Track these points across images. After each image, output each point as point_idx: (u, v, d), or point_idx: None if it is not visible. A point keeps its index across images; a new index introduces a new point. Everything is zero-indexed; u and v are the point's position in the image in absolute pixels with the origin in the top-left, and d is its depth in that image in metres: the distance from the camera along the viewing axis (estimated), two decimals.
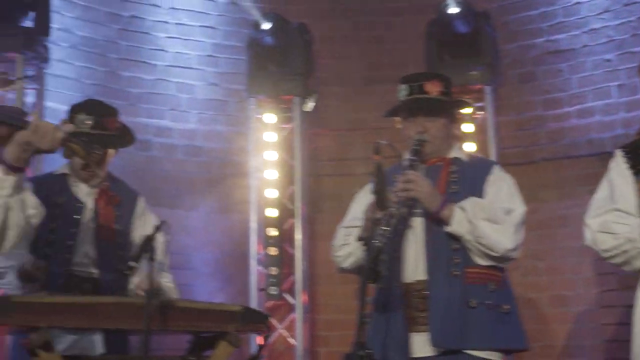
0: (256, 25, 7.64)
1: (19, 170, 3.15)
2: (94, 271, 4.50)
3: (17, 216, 3.19)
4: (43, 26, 6.88)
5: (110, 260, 4.53)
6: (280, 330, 7.48)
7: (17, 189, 3.16)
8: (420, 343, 3.97)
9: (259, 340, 6.86)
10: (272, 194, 7.61)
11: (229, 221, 7.77)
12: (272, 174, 7.65)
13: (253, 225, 7.54)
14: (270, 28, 7.59)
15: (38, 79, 6.99)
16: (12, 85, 6.78)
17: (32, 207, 3.23)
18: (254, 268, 7.49)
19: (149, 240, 3.89)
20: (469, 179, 4.12)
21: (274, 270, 7.51)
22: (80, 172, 4.53)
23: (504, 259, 4.01)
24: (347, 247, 4.17)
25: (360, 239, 3.83)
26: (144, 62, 7.93)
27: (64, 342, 4.30)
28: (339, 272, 4.32)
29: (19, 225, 3.21)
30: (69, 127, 3.20)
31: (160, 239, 4.09)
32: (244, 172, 7.71)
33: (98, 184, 4.59)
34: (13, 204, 3.17)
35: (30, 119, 3.15)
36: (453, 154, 4.21)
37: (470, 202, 4.00)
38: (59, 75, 7.43)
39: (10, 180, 3.14)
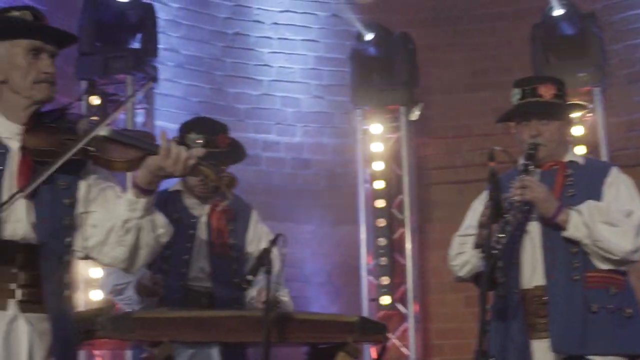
0: (359, 37, 7.66)
1: (150, 193, 3.21)
2: (210, 285, 4.55)
3: (148, 236, 3.25)
4: (151, 47, 7.01)
5: (225, 274, 4.57)
6: (393, 340, 7.46)
7: (148, 210, 3.22)
8: (541, 350, 3.91)
9: (373, 351, 6.86)
10: (381, 204, 7.60)
11: (339, 232, 7.79)
12: (380, 184, 7.64)
13: (362, 235, 7.54)
14: (373, 38, 7.60)
15: (147, 99, 7.13)
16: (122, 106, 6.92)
17: (161, 226, 3.29)
18: (365, 278, 7.49)
19: (265, 253, 3.92)
20: (585, 182, 4.05)
21: (385, 280, 7.50)
22: (195, 190, 4.59)
23: (624, 261, 3.93)
24: (463, 256, 4.13)
25: (476, 246, 3.79)
26: (249, 77, 8.02)
27: (183, 356, 4.37)
28: (455, 281, 4.28)
29: (149, 245, 3.27)
30: (200, 152, 3.24)
31: (276, 252, 4.12)
32: (352, 183, 7.72)
33: (212, 199, 4.65)
34: (144, 225, 3.23)
35: (161, 143, 3.20)
36: (568, 157, 4.14)
37: (587, 206, 3.93)
38: (167, 94, 7.56)
39: (141, 202, 3.20)
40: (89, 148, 3.19)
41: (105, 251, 3.27)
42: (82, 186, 3.32)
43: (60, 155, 3.15)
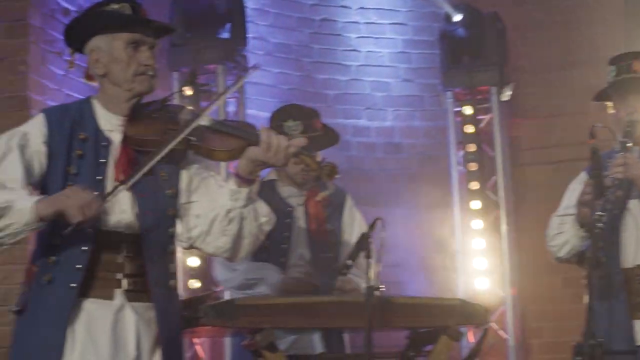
0: (447, 18, 7.59)
1: (252, 182, 3.24)
2: (308, 272, 4.56)
3: (251, 225, 3.28)
4: (240, 36, 7.05)
5: (324, 260, 4.58)
6: (491, 323, 7.39)
7: (251, 199, 3.25)
8: None
9: (471, 335, 6.81)
10: (475, 186, 7.54)
11: (432, 216, 7.74)
12: (473, 166, 7.58)
13: (457, 218, 7.49)
14: (462, 19, 7.52)
15: (238, 88, 7.15)
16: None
17: (263, 215, 3.31)
18: (460, 261, 7.44)
19: (365, 238, 3.92)
20: None
21: (480, 263, 7.44)
22: (296, 177, 4.59)
23: None
24: (562, 236, 4.09)
25: (580, 225, 3.75)
26: (338, 63, 8.02)
27: (285, 342, 4.39)
28: (555, 262, 4.23)
29: (252, 234, 3.30)
30: (301, 142, 3.25)
31: (375, 236, 4.11)
32: (445, 166, 7.67)
33: (307, 186, 4.66)
34: (247, 214, 3.26)
35: (261, 134, 3.22)
36: None
37: None
38: (257, 82, 7.60)
39: (244, 192, 3.24)
40: (190, 138, 3.22)
41: (209, 241, 3.31)
42: (184, 176, 3.36)
43: (162, 146, 3.19)
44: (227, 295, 6.18)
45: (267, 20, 7.84)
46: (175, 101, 3.43)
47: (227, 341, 5.97)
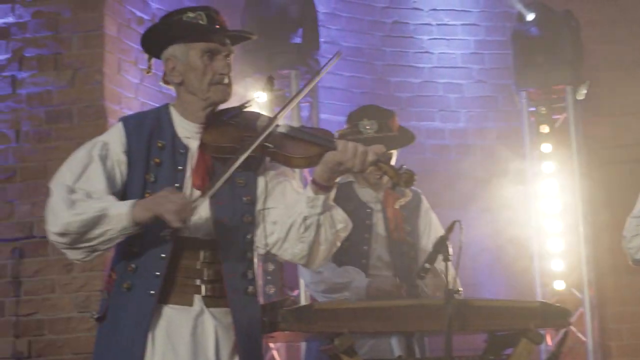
0: (520, 17, 7.52)
1: (329, 189, 3.24)
2: (388, 274, 4.56)
3: (328, 232, 3.27)
4: (313, 41, 7.06)
5: (403, 261, 4.58)
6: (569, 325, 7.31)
7: (327, 206, 3.25)
8: None
9: (549, 337, 6.74)
10: (550, 186, 7.46)
11: (507, 217, 7.68)
12: (549, 166, 7.49)
13: (533, 219, 7.41)
14: (535, 18, 7.44)
15: (311, 93, 7.18)
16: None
17: (340, 222, 3.31)
18: (537, 263, 7.36)
19: (443, 240, 3.90)
20: None
21: (557, 265, 7.35)
22: (370, 178, 4.59)
23: None
24: (639, 238, 4.02)
25: None
26: (410, 66, 8.00)
27: (364, 346, 4.39)
28: (632, 264, 4.16)
29: (328, 240, 3.30)
30: (380, 149, 3.24)
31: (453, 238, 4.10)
32: (519, 167, 7.60)
33: (384, 187, 4.66)
34: (324, 221, 3.25)
35: (338, 141, 3.22)
36: None
37: None
38: (330, 87, 7.62)
39: (321, 199, 3.23)
40: (267, 144, 3.23)
41: (286, 247, 3.32)
42: (261, 183, 3.37)
43: (239, 153, 3.20)
44: (303, 300, 6.22)
45: (339, 24, 7.86)
46: (252, 108, 3.43)
47: (303, 346, 5.99)
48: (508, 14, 7.83)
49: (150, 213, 3.08)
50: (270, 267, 6.60)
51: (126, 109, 6.22)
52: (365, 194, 4.66)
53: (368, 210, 4.61)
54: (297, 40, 7.12)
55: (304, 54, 6.99)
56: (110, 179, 3.22)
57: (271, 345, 6.74)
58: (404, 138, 4.64)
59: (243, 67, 6.94)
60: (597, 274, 7.35)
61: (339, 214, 3.31)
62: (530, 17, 7.47)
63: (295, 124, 6.65)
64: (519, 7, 7.53)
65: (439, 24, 8.10)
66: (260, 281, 6.65)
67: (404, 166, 3.23)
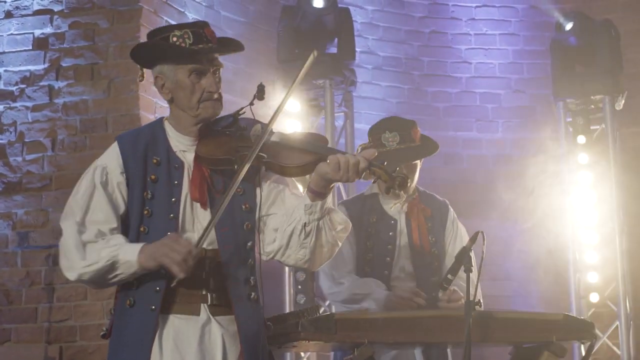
0: (559, 27, 7.46)
1: (325, 195, 3.26)
2: (412, 285, 4.55)
3: (328, 235, 3.31)
4: (349, 51, 7.05)
5: (426, 272, 4.57)
6: (604, 339, 7.23)
7: (325, 210, 3.28)
8: None
9: (583, 350, 6.67)
10: (587, 197, 7.38)
11: (543, 228, 7.62)
12: (586, 177, 7.42)
13: (569, 231, 7.34)
14: (573, 27, 7.38)
15: (346, 102, 7.19)
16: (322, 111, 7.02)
17: (339, 223, 3.34)
18: (573, 275, 7.29)
19: (465, 252, 3.88)
20: None
21: (593, 277, 7.27)
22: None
23: None
24: None
25: None
26: (447, 75, 7.98)
27: (385, 357, 4.39)
28: None
29: (329, 243, 3.33)
30: (371, 154, 3.25)
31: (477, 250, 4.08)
32: (556, 177, 7.53)
33: (408, 198, 4.65)
34: (323, 225, 3.29)
35: (329, 151, 3.23)
36: None
37: None
38: (365, 96, 7.62)
39: (318, 205, 3.27)
40: (262, 154, 3.24)
41: (288, 254, 3.36)
42: (260, 191, 3.40)
43: (236, 170, 3.21)
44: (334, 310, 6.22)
45: (377, 34, 7.86)
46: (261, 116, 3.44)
47: (332, 355, 6.00)
48: (547, 23, 7.78)
49: (156, 262, 3.18)
50: (301, 276, 6.60)
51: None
52: (390, 205, 4.65)
53: (392, 221, 4.61)
54: (333, 50, 7.13)
55: (339, 63, 6.98)
56: (114, 204, 3.31)
57: (301, 354, 6.75)
58: (427, 148, 4.63)
59: (277, 78, 6.97)
60: (633, 287, 7.26)
61: (338, 215, 3.35)
62: (569, 26, 7.40)
63: (329, 134, 6.81)
64: (558, 16, 7.48)
65: (477, 34, 8.07)
66: (291, 290, 6.66)
67: (398, 169, 3.25)
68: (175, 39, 3.28)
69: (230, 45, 3.45)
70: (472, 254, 3.94)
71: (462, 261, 3.90)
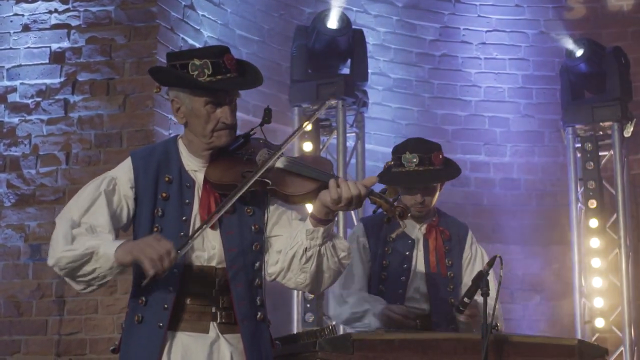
0: (569, 53, 7.53)
1: (328, 222, 3.28)
2: (425, 306, 4.58)
3: (330, 261, 3.33)
4: (361, 72, 7.11)
5: (441, 294, 4.59)
6: None
7: (328, 237, 3.30)
8: None
9: None
10: (594, 223, 7.43)
11: (550, 253, 7.67)
12: (593, 204, 7.46)
13: (575, 256, 7.38)
14: (583, 54, 7.45)
15: (357, 123, 7.23)
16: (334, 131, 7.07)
17: (342, 250, 3.36)
18: (578, 301, 7.32)
19: (482, 275, 3.91)
20: None
21: (599, 303, 7.31)
22: (411, 210, 4.61)
23: None
24: None
25: None
26: (457, 99, 8.03)
27: None
28: None
29: (331, 269, 3.35)
30: (372, 181, 3.29)
31: (494, 274, 4.11)
32: (563, 202, 7.58)
33: (427, 220, 4.68)
34: (325, 251, 3.31)
35: (330, 184, 3.25)
36: None
37: None
38: (376, 117, 7.67)
39: (320, 231, 3.28)
40: (266, 181, 3.28)
41: (289, 277, 3.38)
42: (268, 212, 3.44)
43: (238, 189, 3.25)
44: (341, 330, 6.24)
45: (388, 55, 7.91)
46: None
47: None
48: (557, 49, 7.84)
49: (130, 257, 3.14)
50: (310, 295, 6.62)
51: (174, 133, 6.31)
52: (408, 225, 4.67)
53: (409, 241, 4.63)
54: (345, 71, 7.18)
55: (351, 85, 7.03)
56: (115, 213, 3.31)
57: None
58: (447, 172, 4.64)
59: (291, 97, 7.02)
60: (638, 312, 7.30)
61: (340, 243, 3.36)
62: (579, 52, 7.47)
63: (341, 154, 6.85)
64: (568, 43, 7.54)
65: (487, 58, 8.12)
66: (299, 308, 6.69)
67: (400, 199, 3.26)
68: (194, 68, 3.28)
69: (248, 80, 3.40)
70: (491, 277, 3.96)
71: (479, 284, 3.93)
